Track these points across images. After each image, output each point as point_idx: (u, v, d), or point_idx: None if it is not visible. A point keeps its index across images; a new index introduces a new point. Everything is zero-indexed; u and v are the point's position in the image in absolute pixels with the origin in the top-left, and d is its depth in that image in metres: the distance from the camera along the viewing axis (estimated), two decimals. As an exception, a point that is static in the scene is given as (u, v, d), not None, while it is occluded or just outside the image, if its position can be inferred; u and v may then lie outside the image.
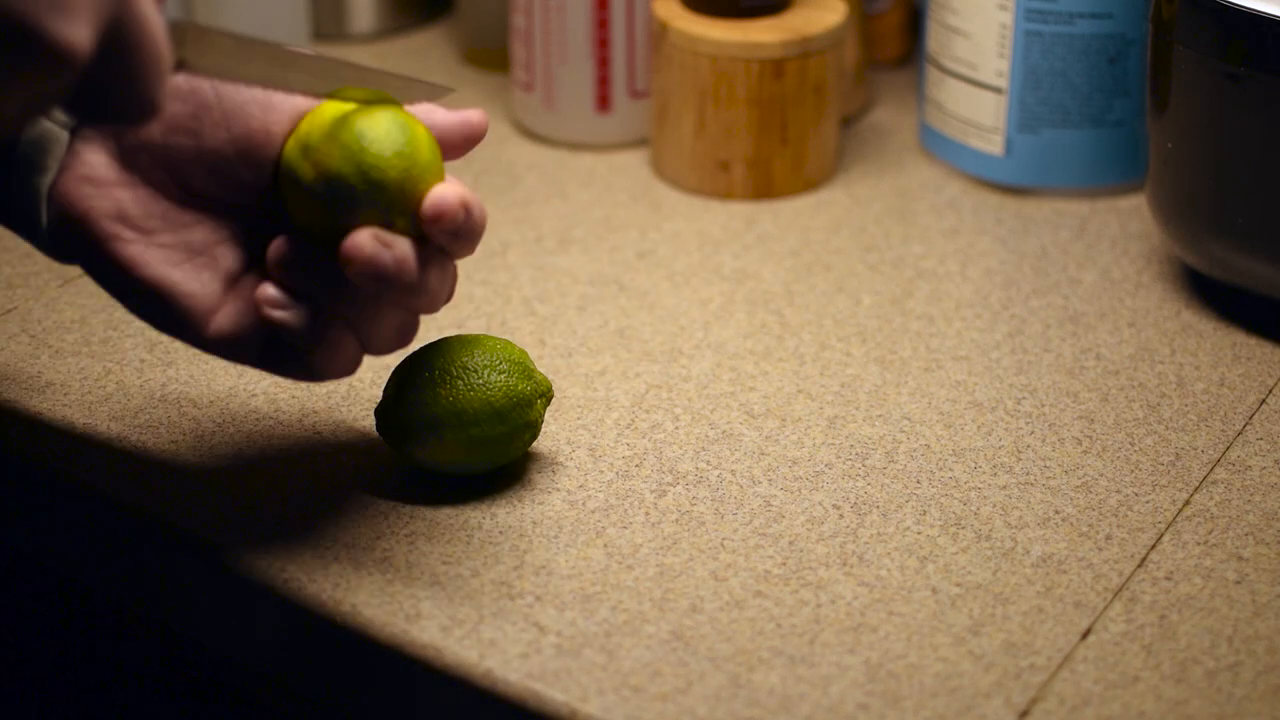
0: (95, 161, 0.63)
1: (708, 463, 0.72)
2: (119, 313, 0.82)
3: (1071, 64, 0.90)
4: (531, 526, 0.68)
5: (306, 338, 0.63)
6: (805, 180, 0.94)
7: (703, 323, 0.82)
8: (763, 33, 0.90)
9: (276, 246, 0.63)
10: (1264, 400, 0.77)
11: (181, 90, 0.63)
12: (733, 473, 0.72)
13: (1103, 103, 0.91)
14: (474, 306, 0.83)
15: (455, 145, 0.65)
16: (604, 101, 0.97)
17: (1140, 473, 0.72)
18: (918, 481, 0.71)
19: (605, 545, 0.67)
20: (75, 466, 0.71)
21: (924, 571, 0.66)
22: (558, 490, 0.70)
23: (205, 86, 0.63)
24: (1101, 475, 0.72)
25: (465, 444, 0.68)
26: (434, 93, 0.66)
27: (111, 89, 0.54)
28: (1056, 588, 0.66)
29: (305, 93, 0.62)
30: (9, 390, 0.76)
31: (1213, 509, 0.70)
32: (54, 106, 0.54)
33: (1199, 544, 0.68)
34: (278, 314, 0.62)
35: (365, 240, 0.61)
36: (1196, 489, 0.71)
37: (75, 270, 0.85)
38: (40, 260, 0.86)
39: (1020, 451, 0.73)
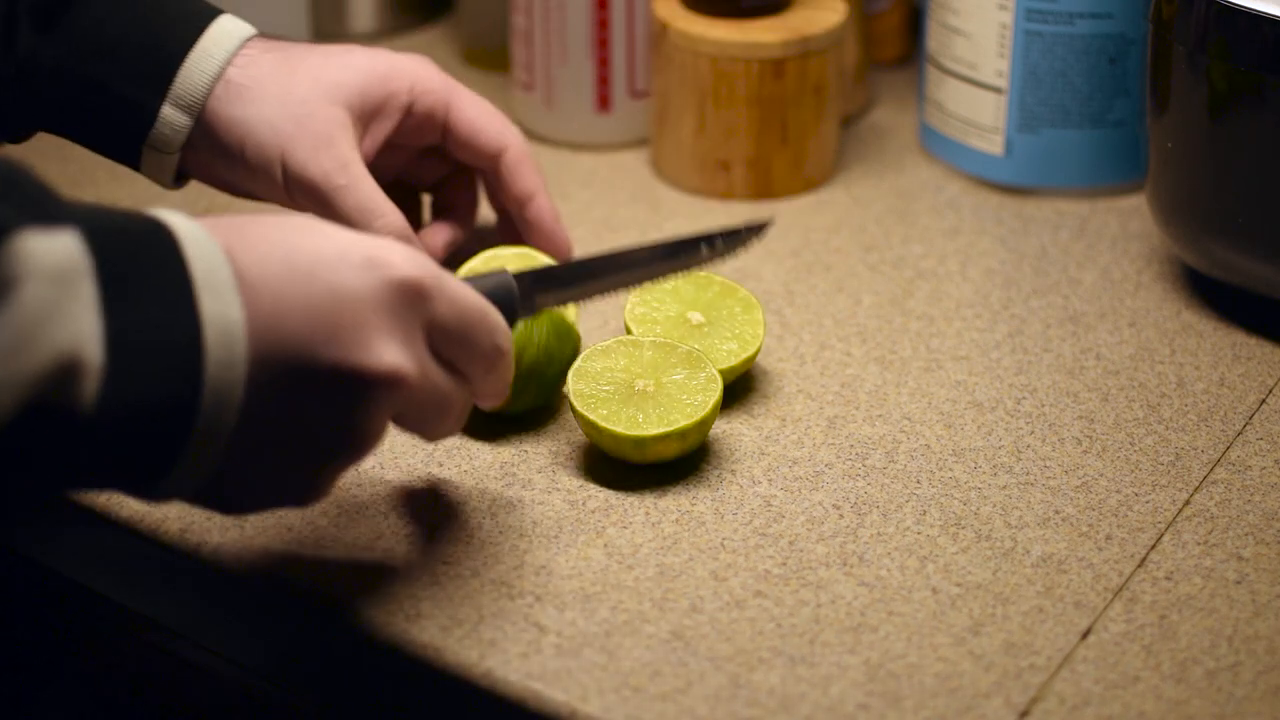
0: None
1: (708, 463, 0.72)
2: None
3: (1071, 64, 0.90)
4: (531, 526, 0.68)
5: None
6: (805, 180, 0.94)
7: (703, 323, 0.82)
8: (763, 33, 0.90)
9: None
10: (1264, 400, 0.77)
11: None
12: (733, 473, 0.72)
13: (1103, 103, 0.91)
14: (474, 306, 0.83)
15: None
16: (604, 101, 0.97)
17: (1140, 473, 0.72)
18: (918, 481, 0.71)
19: (605, 545, 0.67)
20: (75, 466, 0.71)
21: (924, 571, 0.66)
22: (558, 490, 0.70)
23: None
24: (1101, 475, 0.72)
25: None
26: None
27: None
28: (1056, 588, 0.66)
29: None
30: (9, 390, 0.76)
31: (1213, 509, 0.70)
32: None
33: (1199, 544, 0.68)
34: None
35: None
36: (1196, 489, 0.71)
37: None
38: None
39: (1020, 451, 0.73)
